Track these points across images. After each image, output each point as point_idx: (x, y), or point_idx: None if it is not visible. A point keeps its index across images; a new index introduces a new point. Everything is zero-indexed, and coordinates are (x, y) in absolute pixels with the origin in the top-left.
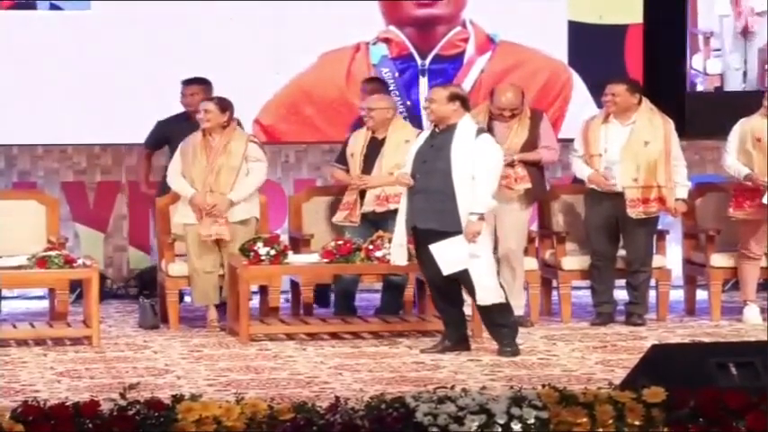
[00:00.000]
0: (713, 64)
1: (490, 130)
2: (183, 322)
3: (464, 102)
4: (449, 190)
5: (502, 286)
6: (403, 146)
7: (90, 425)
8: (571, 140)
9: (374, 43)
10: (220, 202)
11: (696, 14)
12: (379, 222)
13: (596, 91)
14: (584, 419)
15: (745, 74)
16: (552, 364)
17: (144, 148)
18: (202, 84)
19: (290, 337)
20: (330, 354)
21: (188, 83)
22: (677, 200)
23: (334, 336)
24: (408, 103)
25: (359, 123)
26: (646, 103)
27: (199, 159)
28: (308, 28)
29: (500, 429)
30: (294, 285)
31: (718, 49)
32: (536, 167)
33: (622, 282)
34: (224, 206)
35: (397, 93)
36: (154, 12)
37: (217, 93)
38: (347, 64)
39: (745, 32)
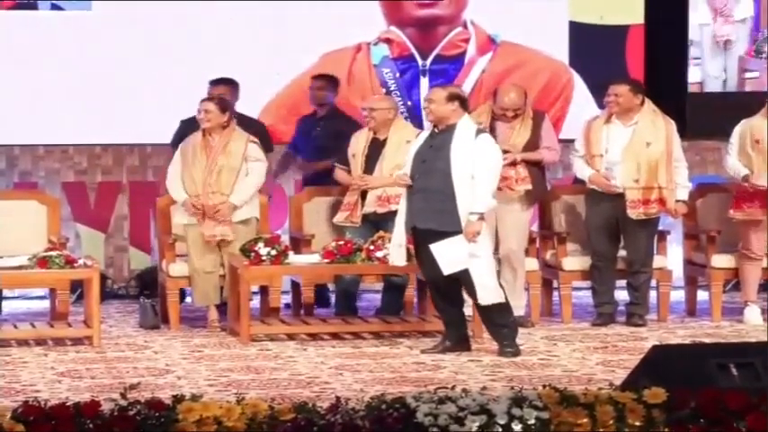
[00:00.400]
0: (693, 72)
1: (492, 130)
2: (184, 322)
3: (463, 102)
4: (448, 190)
5: (501, 286)
6: (404, 146)
7: (91, 425)
8: (572, 141)
9: (375, 44)
10: (224, 207)
11: None
12: (380, 223)
13: (597, 91)
14: (585, 420)
15: (724, 82)
16: (553, 364)
17: (171, 148)
18: (229, 84)
19: (290, 337)
20: (331, 354)
21: (215, 83)
22: (678, 201)
23: (335, 336)
24: (409, 103)
25: (308, 120)
26: (648, 104)
27: (199, 159)
28: (308, 28)
29: (501, 430)
30: (295, 286)
31: (698, 58)
32: (537, 168)
33: (623, 282)
34: (228, 210)
35: (399, 93)
36: (154, 12)
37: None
38: (348, 64)
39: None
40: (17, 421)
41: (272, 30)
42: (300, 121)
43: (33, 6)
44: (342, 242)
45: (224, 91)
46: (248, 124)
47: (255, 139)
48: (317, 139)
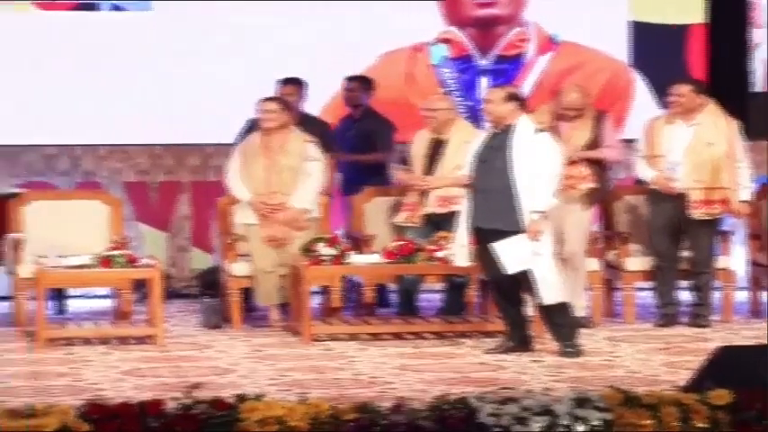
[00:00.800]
0: None
1: (554, 130)
2: (246, 322)
3: (521, 102)
4: (509, 189)
5: (562, 286)
6: (464, 147)
7: (154, 424)
8: (633, 141)
9: (434, 44)
10: (297, 214)
11: None
12: (441, 223)
13: (658, 91)
14: (649, 421)
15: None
16: (616, 365)
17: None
18: (296, 84)
19: (352, 337)
20: (392, 354)
21: (285, 83)
22: (740, 202)
23: (397, 336)
24: (469, 103)
25: (346, 121)
26: (710, 104)
27: (258, 159)
28: (368, 28)
29: (563, 431)
30: (355, 286)
31: None
32: (599, 167)
33: (686, 283)
34: (302, 217)
35: (458, 93)
36: (214, 12)
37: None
38: (407, 65)
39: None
40: (83, 420)
41: (332, 30)
42: (340, 122)
43: (94, 7)
44: (402, 242)
45: (291, 90)
46: (314, 124)
47: (312, 139)
48: (351, 139)
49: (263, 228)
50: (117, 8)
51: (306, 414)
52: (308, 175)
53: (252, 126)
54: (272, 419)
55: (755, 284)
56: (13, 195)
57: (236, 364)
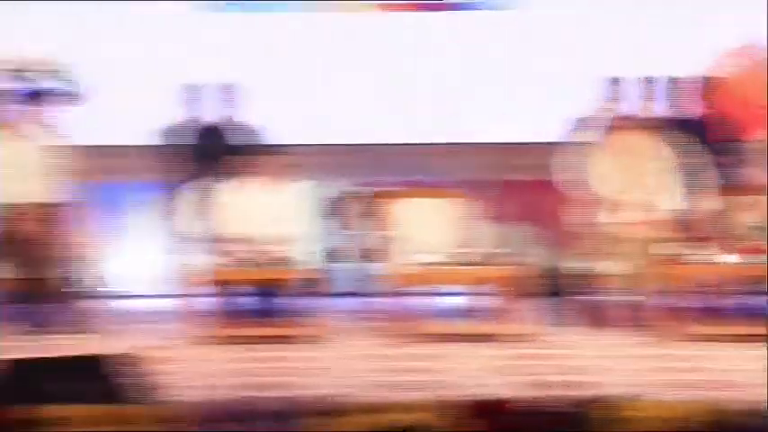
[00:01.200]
0: None
1: None
2: (605, 321)
3: None
4: None
5: None
6: None
7: (526, 421)
8: None
9: None
10: (667, 215)
11: None
12: None
13: None
14: None
15: None
16: None
17: (573, 146)
18: (641, 83)
19: (723, 338)
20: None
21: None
22: None
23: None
24: None
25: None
26: None
27: (616, 159)
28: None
29: None
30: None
31: None
32: None
33: None
34: (671, 217)
35: None
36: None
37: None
38: (746, 62)
39: None
40: (449, 415)
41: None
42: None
43: (446, 8)
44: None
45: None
46: (660, 123)
47: (666, 138)
48: None
49: (628, 227)
50: (467, 8)
51: (687, 415)
52: (668, 174)
53: (588, 124)
54: (658, 420)
55: None
56: (377, 194)
57: (608, 362)
